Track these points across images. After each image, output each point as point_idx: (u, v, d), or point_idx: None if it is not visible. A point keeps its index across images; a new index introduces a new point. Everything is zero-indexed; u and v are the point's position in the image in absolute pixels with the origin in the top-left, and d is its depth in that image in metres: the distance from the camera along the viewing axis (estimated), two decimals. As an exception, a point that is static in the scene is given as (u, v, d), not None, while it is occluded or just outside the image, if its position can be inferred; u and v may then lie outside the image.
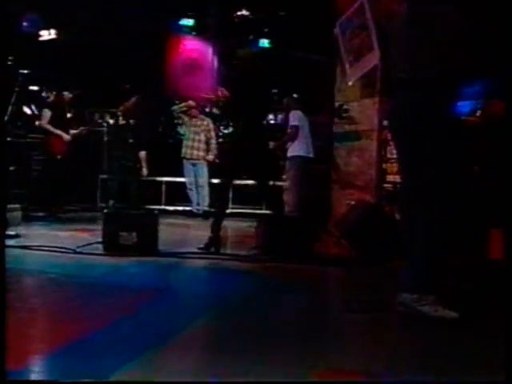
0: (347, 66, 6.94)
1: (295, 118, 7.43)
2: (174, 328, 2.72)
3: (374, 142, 6.45)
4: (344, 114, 6.95)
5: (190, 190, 8.96)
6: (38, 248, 4.94)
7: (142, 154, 8.59)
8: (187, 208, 9.20)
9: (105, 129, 9.87)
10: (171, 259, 4.79)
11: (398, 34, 3.23)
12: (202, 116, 9.19)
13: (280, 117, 12.96)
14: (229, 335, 2.71)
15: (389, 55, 3.38)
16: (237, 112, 5.58)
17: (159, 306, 3.27)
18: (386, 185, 6.27)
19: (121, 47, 11.15)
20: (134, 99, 8.92)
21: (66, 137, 7.99)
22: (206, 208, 8.79)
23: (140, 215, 5.25)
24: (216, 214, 5.57)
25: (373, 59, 6.46)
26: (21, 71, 5.99)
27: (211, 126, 9.15)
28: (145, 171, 8.57)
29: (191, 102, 9.00)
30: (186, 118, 9.04)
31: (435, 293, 2.97)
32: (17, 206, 6.81)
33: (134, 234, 4.93)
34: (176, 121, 9.74)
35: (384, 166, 6.30)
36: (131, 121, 8.90)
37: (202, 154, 8.89)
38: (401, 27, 3.21)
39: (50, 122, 8.04)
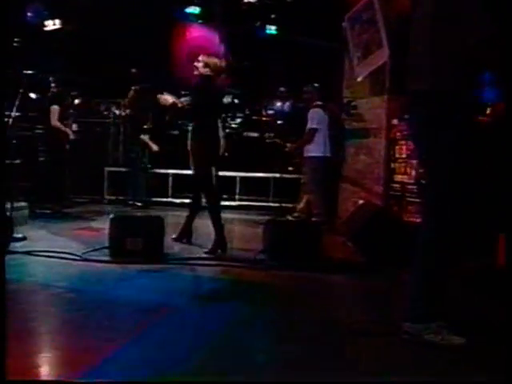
0: (355, 61, 6.85)
1: (314, 119, 7.19)
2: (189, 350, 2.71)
3: (382, 140, 6.36)
4: (352, 111, 6.86)
5: None
6: (43, 254, 4.91)
7: (145, 137, 8.59)
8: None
9: (111, 120, 9.78)
10: (179, 267, 4.75)
11: (417, 44, 3.08)
12: None
13: (287, 104, 12.87)
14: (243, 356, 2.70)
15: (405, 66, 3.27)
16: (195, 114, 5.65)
17: (171, 327, 3.24)
18: (394, 184, 6.18)
19: (126, 36, 11.02)
20: (131, 91, 8.86)
21: (71, 136, 7.98)
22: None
23: (146, 220, 5.22)
24: (211, 210, 5.49)
25: (382, 56, 6.36)
26: (25, 72, 5.91)
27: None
28: (154, 147, 8.57)
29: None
30: None
31: (439, 319, 2.93)
32: (23, 204, 6.80)
33: (140, 239, 4.91)
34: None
35: (392, 165, 6.22)
36: (128, 111, 8.90)
37: None
38: (421, 38, 3.05)
39: (59, 119, 8.04)
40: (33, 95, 9.75)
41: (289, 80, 12.50)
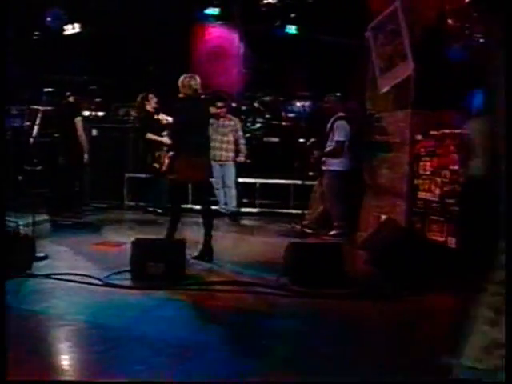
0: (378, 73, 6.71)
1: (341, 131, 7.17)
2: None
3: (405, 155, 6.24)
4: (376, 124, 6.75)
5: (217, 189, 8.84)
6: (64, 278, 4.92)
7: (151, 136, 8.52)
8: (214, 207, 9.13)
9: (129, 125, 9.75)
10: (201, 293, 4.73)
11: None
12: (229, 116, 8.98)
13: (307, 104, 12.73)
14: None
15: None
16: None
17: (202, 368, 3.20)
18: (417, 201, 6.07)
19: (146, 39, 10.99)
20: (140, 97, 8.76)
21: (85, 154, 7.99)
22: (235, 209, 8.74)
23: (167, 245, 5.19)
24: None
25: (406, 69, 6.22)
26: (45, 90, 5.91)
27: (239, 125, 8.94)
28: (166, 139, 8.47)
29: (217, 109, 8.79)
30: (213, 119, 8.86)
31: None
32: (45, 217, 6.83)
33: (162, 264, 4.90)
34: None
35: (416, 181, 6.10)
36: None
37: (230, 154, 8.70)
38: None
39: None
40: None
41: (309, 81, 12.37)
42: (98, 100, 8.83)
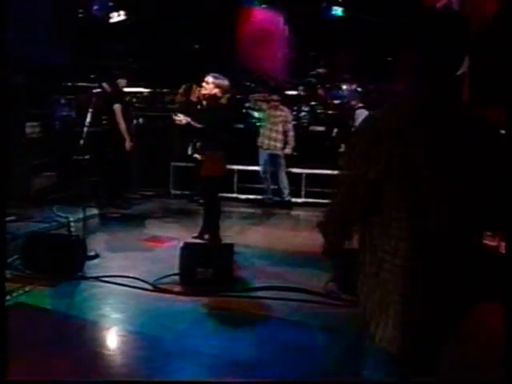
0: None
1: (359, 119, 7.20)
2: None
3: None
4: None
5: (265, 179, 8.83)
6: (114, 282, 5.02)
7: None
8: (259, 197, 9.15)
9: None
10: (251, 302, 4.75)
11: None
12: (281, 106, 8.90)
13: (353, 88, 12.50)
14: None
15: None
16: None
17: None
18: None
19: (191, 23, 10.93)
20: (184, 87, 8.70)
21: (129, 144, 8.02)
22: (287, 198, 8.78)
23: (215, 250, 5.22)
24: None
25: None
26: (95, 91, 5.97)
27: (290, 117, 8.90)
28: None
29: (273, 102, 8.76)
30: (265, 106, 8.84)
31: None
32: (95, 212, 6.96)
33: (210, 269, 4.94)
34: (251, 106, 9.46)
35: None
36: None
37: (279, 145, 8.68)
38: None
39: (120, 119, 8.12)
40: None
41: (355, 63, 12.11)
42: (144, 91, 8.77)
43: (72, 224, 6.38)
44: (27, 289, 4.72)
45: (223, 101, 6.10)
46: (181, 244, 6.15)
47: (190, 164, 9.09)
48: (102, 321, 4.29)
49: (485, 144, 1.91)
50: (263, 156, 8.78)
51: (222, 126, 6.73)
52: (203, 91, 6.26)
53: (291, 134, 8.72)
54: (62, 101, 9.25)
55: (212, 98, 6.08)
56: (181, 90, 8.80)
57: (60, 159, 8.37)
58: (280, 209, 8.70)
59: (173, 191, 9.47)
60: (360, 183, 1.90)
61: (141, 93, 11.50)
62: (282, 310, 4.62)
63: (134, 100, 10.07)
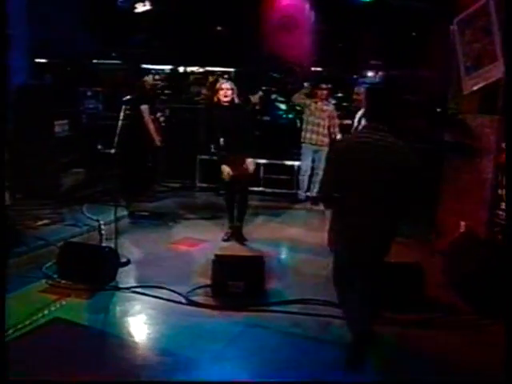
0: (463, 70, 6.37)
1: None
2: None
3: (489, 163, 5.98)
4: (458, 125, 6.46)
5: (303, 175, 8.71)
6: (147, 293, 5.09)
7: None
8: (284, 191, 9.15)
9: (202, 106, 9.73)
10: (284, 317, 4.77)
11: None
12: (326, 101, 8.71)
13: (381, 74, 12.34)
14: None
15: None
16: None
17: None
18: (499, 212, 5.86)
19: (217, 11, 10.82)
20: (208, 82, 8.65)
21: (158, 143, 8.04)
22: (315, 194, 8.72)
23: (247, 263, 5.26)
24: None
25: (496, 72, 5.87)
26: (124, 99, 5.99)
27: (335, 113, 8.66)
28: None
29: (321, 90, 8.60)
30: (309, 101, 8.62)
31: None
32: (124, 213, 7.03)
33: (242, 283, 5.01)
34: (296, 102, 9.22)
35: (500, 191, 5.87)
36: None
37: (325, 139, 8.46)
38: None
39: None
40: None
41: (382, 49, 11.91)
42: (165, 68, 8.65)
43: (103, 227, 6.49)
44: (64, 302, 4.83)
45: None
46: (211, 246, 6.38)
47: (215, 157, 9.18)
48: (136, 339, 4.38)
49: (397, 160, 3.74)
50: (307, 151, 8.59)
51: (252, 126, 6.88)
52: (225, 99, 6.42)
53: (336, 129, 8.53)
54: (89, 93, 9.26)
55: (233, 101, 6.49)
56: (208, 84, 8.78)
57: (88, 154, 8.43)
58: (311, 204, 8.67)
59: (198, 184, 9.52)
60: (332, 173, 3.95)
61: (162, 70, 11.49)
62: (313, 325, 4.66)
63: (159, 91, 10.03)
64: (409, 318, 4.78)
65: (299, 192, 8.88)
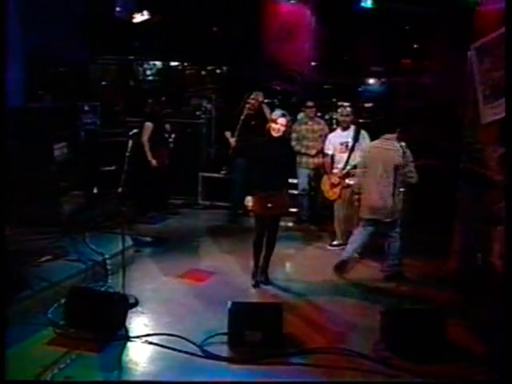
0: (481, 99, 6.16)
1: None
2: None
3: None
4: (475, 154, 6.28)
5: (302, 195, 8.46)
6: (159, 344, 4.85)
7: (227, 133, 8.32)
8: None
9: (203, 120, 9.47)
10: (305, 370, 4.58)
11: None
12: (317, 119, 8.47)
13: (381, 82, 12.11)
14: None
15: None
16: None
17: None
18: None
19: (216, 17, 10.54)
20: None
21: (154, 163, 7.82)
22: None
23: (264, 312, 5.04)
24: None
25: (517, 104, 5.66)
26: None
27: (327, 129, 8.33)
28: (232, 141, 8.25)
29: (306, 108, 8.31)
30: (299, 127, 8.33)
31: None
32: (129, 243, 6.77)
33: (259, 333, 4.81)
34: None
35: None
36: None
37: (317, 160, 8.16)
38: None
39: (150, 137, 7.91)
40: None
41: (382, 57, 11.70)
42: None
43: (108, 261, 6.26)
44: (73, 356, 4.59)
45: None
46: (220, 281, 6.29)
47: (216, 175, 8.96)
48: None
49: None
50: (302, 172, 8.32)
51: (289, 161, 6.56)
52: (276, 134, 5.95)
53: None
54: (86, 107, 8.97)
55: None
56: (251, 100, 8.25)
57: (89, 175, 8.16)
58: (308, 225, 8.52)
59: (201, 201, 9.29)
60: None
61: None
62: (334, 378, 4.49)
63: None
64: (431, 369, 4.60)
65: (302, 213, 8.59)
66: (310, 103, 8.32)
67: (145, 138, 7.92)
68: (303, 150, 8.17)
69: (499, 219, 5.38)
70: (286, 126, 5.98)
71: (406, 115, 9.52)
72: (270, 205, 5.98)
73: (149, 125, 7.86)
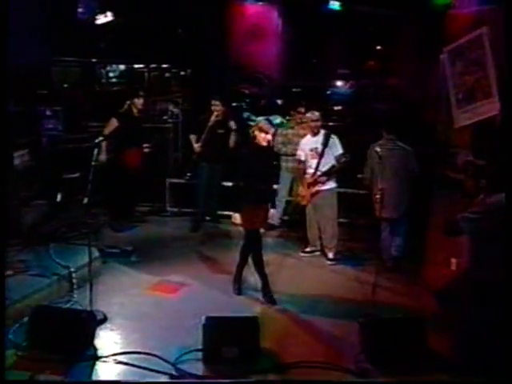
0: (454, 103, 6.13)
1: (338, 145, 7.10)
2: None
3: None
4: (449, 159, 6.24)
5: (280, 201, 8.20)
6: (130, 363, 4.61)
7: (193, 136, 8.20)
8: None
9: (170, 125, 9.22)
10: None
11: None
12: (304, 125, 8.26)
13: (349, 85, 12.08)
14: None
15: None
16: None
17: None
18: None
19: (181, 18, 10.30)
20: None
21: (102, 159, 7.48)
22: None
23: (240, 325, 4.84)
24: None
25: (490, 109, 5.66)
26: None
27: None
28: (196, 147, 8.11)
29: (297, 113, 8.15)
30: (288, 136, 8.16)
31: None
32: (96, 254, 6.48)
33: (236, 349, 4.62)
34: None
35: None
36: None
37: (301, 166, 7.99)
38: None
39: (113, 134, 7.64)
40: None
41: (350, 58, 11.67)
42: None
43: (73, 275, 5.97)
44: (39, 380, 4.32)
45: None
46: (190, 293, 6.09)
47: (183, 181, 8.71)
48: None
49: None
50: (286, 177, 8.14)
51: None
52: (264, 143, 5.82)
53: None
54: (48, 112, 8.64)
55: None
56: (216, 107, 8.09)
57: (51, 183, 7.83)
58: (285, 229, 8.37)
59: (169, 208, 9.03)
60: None
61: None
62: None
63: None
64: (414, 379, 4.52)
65: (275, 218, 8.37)
66: (301, 109, 8.10)
67: (105, 131, 7.62)
68: (290, 153, 7.96)
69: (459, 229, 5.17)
70: (273, 134, 5.93)
71: (376, 117, 9.47)
72: (258, 218, 5.84)
73: (113, 120, 7.59)
